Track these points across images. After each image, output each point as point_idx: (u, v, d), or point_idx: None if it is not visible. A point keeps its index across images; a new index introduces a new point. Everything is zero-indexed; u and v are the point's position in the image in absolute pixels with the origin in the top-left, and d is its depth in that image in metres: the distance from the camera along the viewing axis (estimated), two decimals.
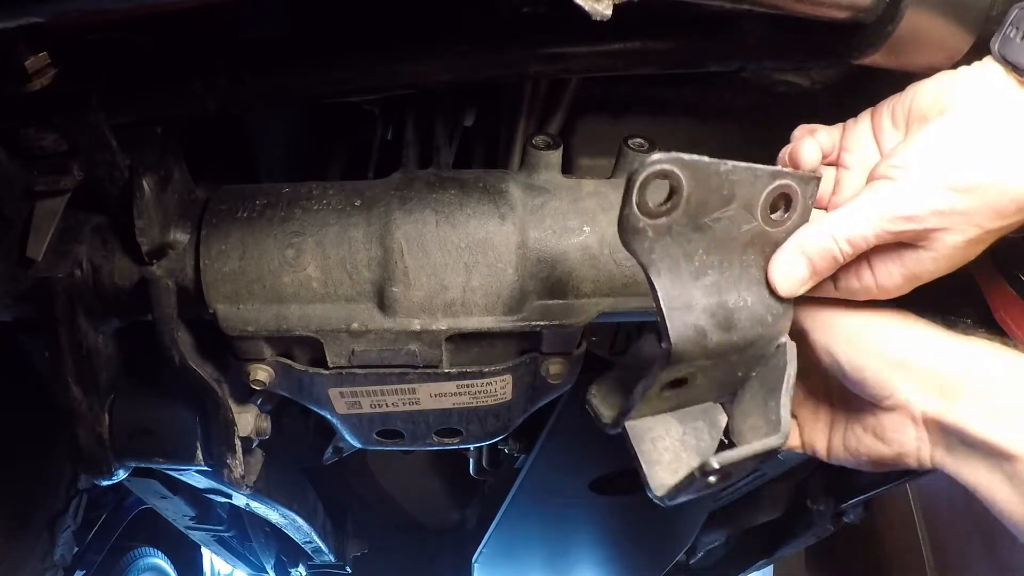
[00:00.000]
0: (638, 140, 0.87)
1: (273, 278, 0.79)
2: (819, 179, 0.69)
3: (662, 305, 0.63)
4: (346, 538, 2.00)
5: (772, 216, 0.67)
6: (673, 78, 0.98)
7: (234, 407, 0.86)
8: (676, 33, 0.82)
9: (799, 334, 0.73)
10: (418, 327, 0.79)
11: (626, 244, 0.61)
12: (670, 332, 0.63)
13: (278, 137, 1.12)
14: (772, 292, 0.69)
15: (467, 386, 0.85)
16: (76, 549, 1.64)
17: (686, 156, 0.59)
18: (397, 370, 0.83)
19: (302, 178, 0.86)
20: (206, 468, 0.90)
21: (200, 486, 1.08)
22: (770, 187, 0.65)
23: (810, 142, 0.73)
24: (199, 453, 0.88)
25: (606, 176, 0.88)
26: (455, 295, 0.79)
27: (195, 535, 1.72)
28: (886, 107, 0.73)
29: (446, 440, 0.95)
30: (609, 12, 0.53)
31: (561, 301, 0.82)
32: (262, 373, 0.83)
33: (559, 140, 0.87)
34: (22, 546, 1.45)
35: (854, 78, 0.94)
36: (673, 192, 0.60)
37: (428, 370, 0.83)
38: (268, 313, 0.79)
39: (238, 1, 0.72)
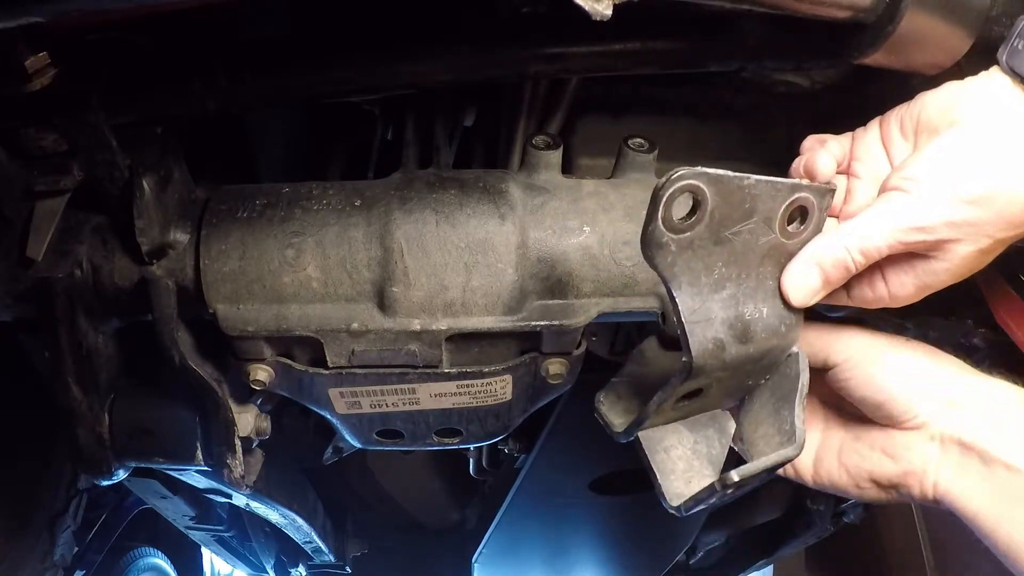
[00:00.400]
0: (638, 140, 0.87)
1: (273, 278, 0.79)
2: (834, 191, 0.69)
3: (683, 319, 0.63)
4: (346, 538, 2.00)
5: (788, 228, 0.67)
6: (673, 78, 0.98)
7: (234, 407, 0.86)
8: (676, 33, 0.82)
9: (811, 357, 0.74)
10: (418, 327, 0.79)
11: (649, 259, 0.61)
12: (691, 346, 0.63)
13: (278, 137, 1.12)
14: (785, 302, 0.69)
15: (467, 386, 0.85)
16: (76, 549, 1.63)
17: (711, 171, 0.59)
18: (397, 370, 0.83)
19: (302, 178, 0.86)
20: (206, 468, 0.90)
21: (200, 486, 1.08)
22: (789, 200, 0.65)
23: (825, 154, 0.73)
24: (199, 453, 0.88)
25: (606, 176, 0.88)
26: (455, 295, 0.79)
27: (195, 535, 1.72)
28: (894, 116, 0.73)
29: (446, 440, 0.95)
30: (609, 12, 0.53)
31: (561, 301, 0.82)
32: (262, 373, 0.82)
33: (559, 140, 0.87)
34: (22, 546, 1.45)
35: (854, 78, 0.94)
36: (697, 207, 0.60)
37: (428, 370, 0.83)
38: (268, 313, 0.79)
39: (238, 1, 0.72)
